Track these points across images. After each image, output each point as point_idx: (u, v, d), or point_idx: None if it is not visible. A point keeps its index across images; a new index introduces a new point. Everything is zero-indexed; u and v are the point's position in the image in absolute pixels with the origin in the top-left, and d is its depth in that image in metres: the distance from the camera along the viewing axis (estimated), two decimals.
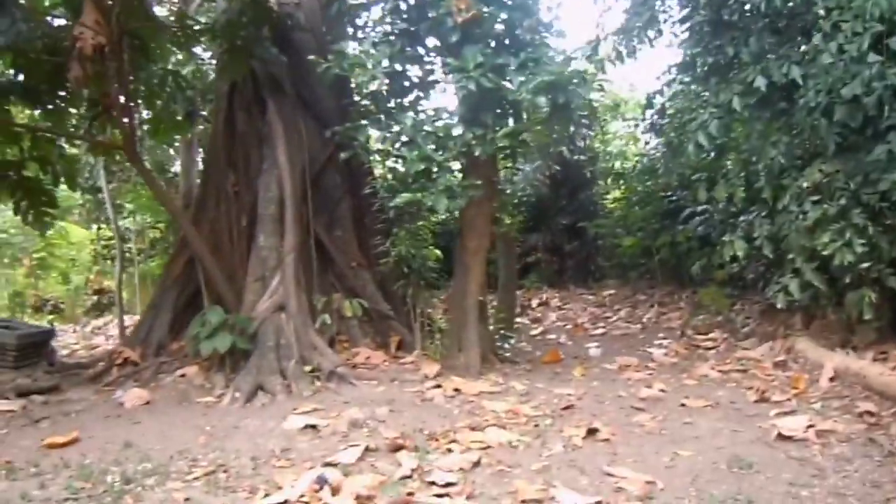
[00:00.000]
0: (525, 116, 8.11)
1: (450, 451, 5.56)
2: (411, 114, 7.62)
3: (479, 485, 4.79)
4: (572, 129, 16.91)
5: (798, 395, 6.83)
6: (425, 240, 8.67)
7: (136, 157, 8.70)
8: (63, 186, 14.12)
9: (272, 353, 7.82)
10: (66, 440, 6.03)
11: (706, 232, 11.59)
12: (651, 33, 9.68)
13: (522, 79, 7.45)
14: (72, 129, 10.57)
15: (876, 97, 6.62)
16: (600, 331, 12.14)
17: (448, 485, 4.78)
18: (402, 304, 9.42)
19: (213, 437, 6.01)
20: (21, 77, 9.09)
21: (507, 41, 7.94)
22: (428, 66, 8.42)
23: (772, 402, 6.69)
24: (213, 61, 11.46)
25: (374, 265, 9.35)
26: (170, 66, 10.69)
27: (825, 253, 6.88)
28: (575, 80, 7.51)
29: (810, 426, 5.63)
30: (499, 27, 7.63)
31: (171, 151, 15.58)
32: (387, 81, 7.51)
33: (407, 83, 8.09)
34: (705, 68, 8.74)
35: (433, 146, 7.59)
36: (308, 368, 7.85)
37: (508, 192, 9.34)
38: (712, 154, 9.32)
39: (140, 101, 9.75)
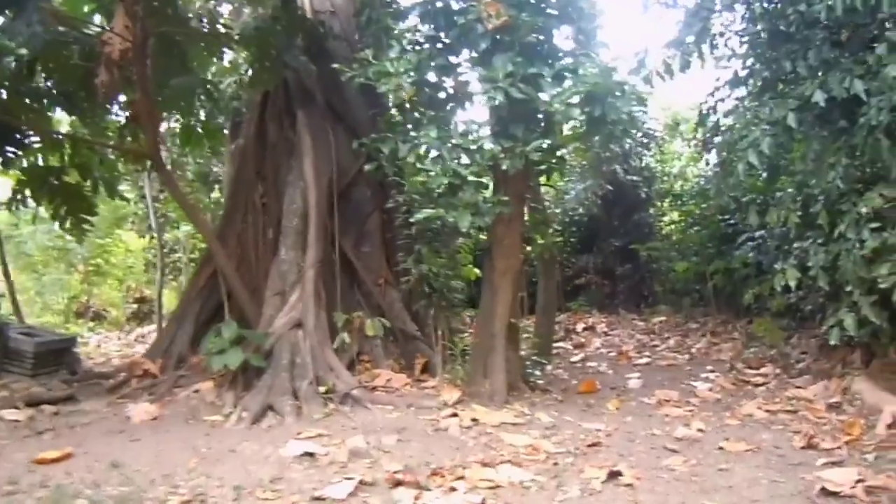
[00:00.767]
0: (559, 130, 7.61)
1: (453, 489, 5.08)
2: (437, 126, 7.18)
3: None
4: (620, 146, 16.43)
5: (850, 443, 6.09)
6: (451, 258, 8.22)
7: (161, 164, 8.55)
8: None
9: (285, 372, 7.48)
10: (57, 456, 5.77)
11: (759, 259, 10.83)
12: (704, 46, 9.05)
13: (556, 90, 7.00)
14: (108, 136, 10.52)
15: None
16: (645, 360, 11.44)
17: None
18: (431, 324, 8.99)
19: (204, 461, 5.66)
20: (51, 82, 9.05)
21: (541, 50, 7.46)
22: (462, 77, 8.01)
23: (820, 449, 5.98)
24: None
25: (403, 283, 8.96)
26: (208, 76, 10.61)
27: (884, 286, 6.18)
28: (615, 93, 7.02)
29: (860, 481, 4.94)
30: (533, 35, 7.15)
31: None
32: (410, 91, 7.08)
33: (436, 93, 7.68)
34: (759, 83, 8.09)
35: (460, 160, 7.17)
36: (322, 389, 7.48)
37: (541, 209, 8.77)
38: (765, 175, 8.63)
39: (172, 110, 9.61)
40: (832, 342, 7.05)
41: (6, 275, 12.03)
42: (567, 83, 7.20)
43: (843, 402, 7.31)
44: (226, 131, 10.19)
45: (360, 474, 5.23)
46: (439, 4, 7.45)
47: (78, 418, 7.37)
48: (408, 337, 9.01)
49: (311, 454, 5.71)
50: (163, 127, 11.23)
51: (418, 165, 7.15)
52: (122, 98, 9.72)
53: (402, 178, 7.81)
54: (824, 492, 4.84)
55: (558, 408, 7.83)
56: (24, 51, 8.85)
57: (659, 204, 18.68)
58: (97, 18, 9.33)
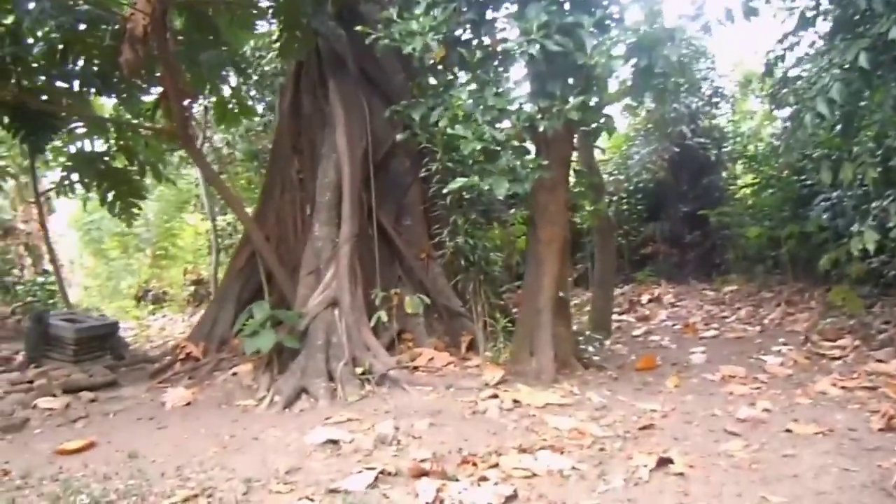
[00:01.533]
0: (604, 86, 6.96)
1: (483, 479, 4.63)
2: (471, 87, 6.66)
3: None
4: (687, 105, 15.51)
5: None
6: (490, 229, 7.69)
7: (189, 142, 8.30)
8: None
9: (320, 353, 7.16)
10: (79, 446, 5.62)
11: (835, 221, 9.91)
12: None
13: (598, 41, 6.37)
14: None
15: None
16: (712, 333, 10.69)
17: None
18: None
19: (225, 450, 5.38)
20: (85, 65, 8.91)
21: None
22: (499, 33, 7.42)
23: None
24: None
25: (439, 257, 8.49)
26: (246, 51, 10.34)
27: None
28: (665, 42, 6.36)
29: None
30: None
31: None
32: (439, 51, 6.56)
33: (469, 53, 7.12)
34: (830, 24, 7.25)
35: (495, 123, 6.64)
36: (359, 371, 7.13)
37: (588, 172, 8.09)
38: (838, 128, 7.76)
39: (203, 87, 9.34)
40: None
41: (52, 260, 12.13)
42: (611, 33, 6.56)
43: None
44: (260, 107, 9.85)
45: (383, 464, 4.85)
46: None
47: (114, 405, 7.24)
48: (452, 314, 8.56)
49: (334, 442, 5.36)
50: (199, 104, 11.04)
51: (449, 131, 6.62)
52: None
53: (435, 145, 7.30)
54: None
55: (612, 386, 7.27)
56: (55, 35, 8.75)
57: (730, 166, 17.61)
58: None
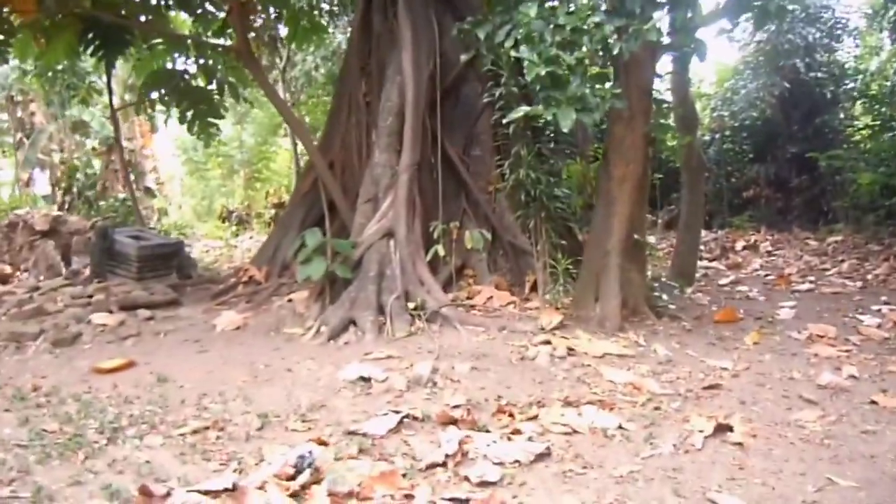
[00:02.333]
0: (695, 4, 6.18)
1: (516, 432, 4.26)
2: (539, 3, 6.00)
3: (525, 491, 3.48)
4: (802, 36, 14.11)
5: None
6: (555, 161, 7.09)
7: (250, 59, 8.02)
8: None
9: (372, 286, 6.87)
10: (116, 365, 5.60)
11: None
12: None
13: None
14: None
15: None
16: (807, 286, 9.80)
17: (483, 484, 3.54)
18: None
19: (255, 380, 5.21)
20: None
21: None
22: None
23: None
24: None
25: (499, 190, 7.97)
26: None
27: None
28: None
29: None
30: None
31: None
32: None
33: None
34: None
35: (566, 44, 5.99)
36: (411, 306, 6.81)
37: (667, 105, 7.27)
38: None
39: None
40: None
41: (126, 177, 12.30)
42: None
43: None
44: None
45: (411, 407, 4.54)
46: None
47: (167, 325, 7.24)
48: (518, 251, 8.07)
49: (366, 379, 5.09)
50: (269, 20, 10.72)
51: (513, 53, 6.03)
52: None
53: (501, 68, 6.71)
54: None
55: (682, 339, 6.69)
56: None
57: (848, 106, 16.06)
58: None
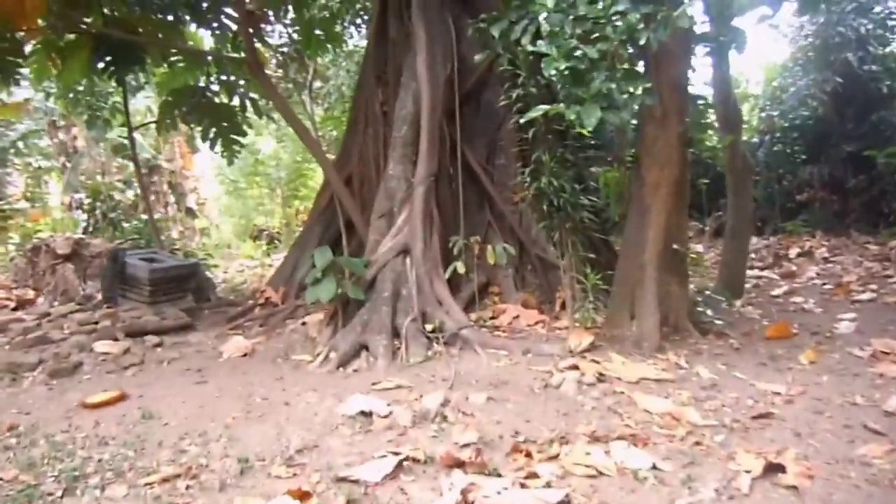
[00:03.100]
0: None
1: (533, 476, 3.70)
2: None
3: None
4: (854, 28, 13.24)
5: None
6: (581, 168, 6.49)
7: (257, 70, 7.63)
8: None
9: (386, 307, 6.37)
10: (105, 399, 5.21)
11: None
12: None
13: None
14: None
15: None
16: (868, 295, 8.95)
17: None
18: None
19: (246, 417, 4.73)
20: None
21: None
22: None
23: None
24: None
25: (521, 201, 7.40)
26: None
27: None
28: None
29: None
30: None
31: None
32: None
33: None
34: None
35: (587, 36, 5.43)
36: (428, 328, 6.30)
37: (703, 102, 6.57)
38: None
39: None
40: None
41: (145, 197, 12.06)
42: None
43: None
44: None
45: (414, 447, 4.01)
46: None
47: (173, 352, 6.85)
48: (548, 266, 7.49)
49: (367, 414, 4.57)
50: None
51: (529, 48, 5.49)
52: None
53: (519, 67, 6.16)
54: None
55: (729, 359, 6.02)
56: None
57: None
58: None
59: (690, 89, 6.51)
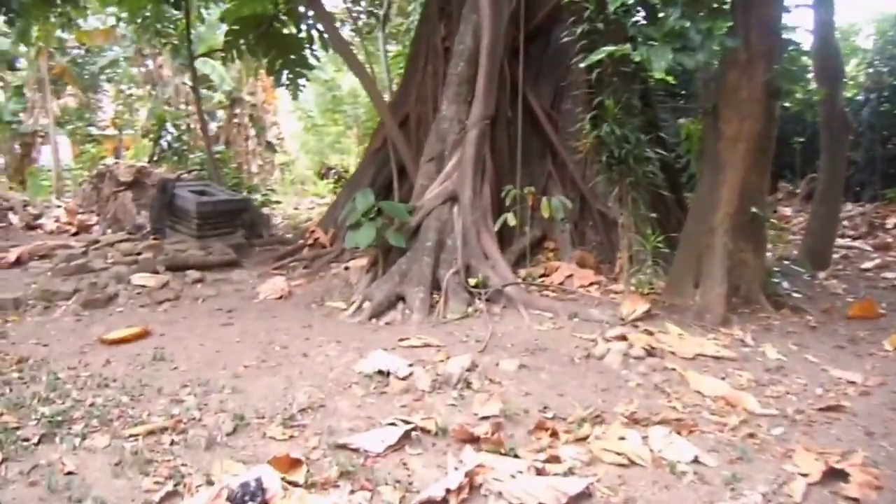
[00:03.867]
0: None
1: (555, 460, 3.30)
2: None
3: None
4: None
5: None
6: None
7: (316, 5, 7.14)
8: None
9: (428, 257, 5.96)
10: (124, 336, 5.02)
11: None
12: None
13: None
14: None
15: None
16: None
17: None
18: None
19: (259, 366, 4.46)
20: None
21: None
22: None
23: None
24: None
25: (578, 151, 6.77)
26: None
27: None
28: None
29: None
30: None
31: None
32: None
33: None
34: None
35: None
36: (471, 282, 5.87)
37: (796, 48, 5.70)
38: None
39: None
40: None
41: (203, 129, 11.86)
42: None
43: None
44: None
45: (428, 415, 3.65)
46: None
47: (211, 289, 6.68)
48: (610, 223, 6.90)
49: (385, 374, 4.21)
50: None
51: None
52: None
53: (589, 1, 5.50)
54: None
55: (803, 338, 5.40)
56: None
57: None
58: None
59: (784, 34, 5.74)
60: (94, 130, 23.71)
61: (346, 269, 6.87)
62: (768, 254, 6.79)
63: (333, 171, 18.88)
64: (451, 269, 5.89)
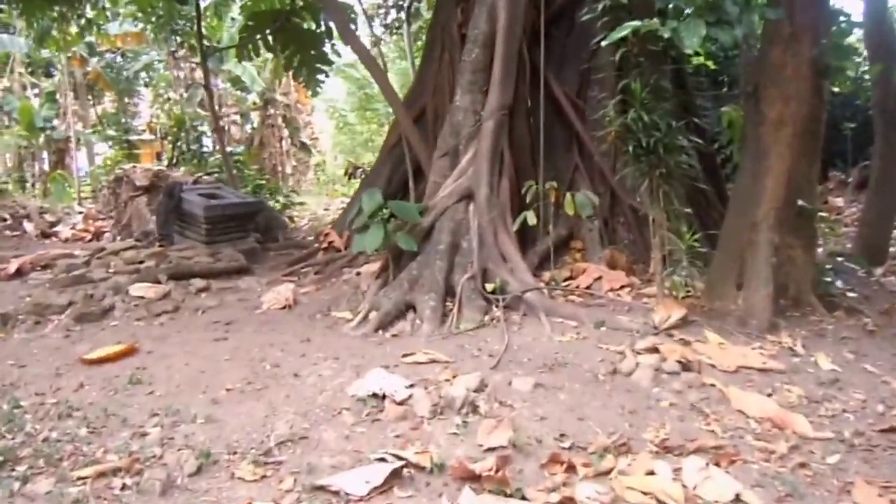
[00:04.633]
0: None
1: (569, 501, 2.80)
2: None
3: None
4: None
5: None
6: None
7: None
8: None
9: (441, 261, 5.47)
10: (108, 354, 4.65)
11: None
12: None
13: None
14: None
15: None
16: None
17: None
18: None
19: (244, 389, 4.03)
20: None
21: None
22: None
23: None
24: None
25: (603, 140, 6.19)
26: None
27: None
28: None
29: None
30: None
31: None
32: None
33: None
34: None
35: None
36: (489, 288, 5.36)
37: (846, 20, 5.06)
38: None
39: None
40: None
41: (218, 130, 11.54)
42: None
43: None
44: None
45: (423, 448, 3.16)
46: None
47: (214, 299, 6.30)
48: (643, 220, 6.31)
49: (381, 398, 3.72)
50: None
51: None
52: None
53: None
54: None
55: (860, 344, 4.79)
56: None
57: None
58: None
59: (832, 4, 5.12)
60: (131, 136, 23.72)
61: (358, 274, 6.42)
62: (819, 250, 6.17)
63: (361, 170, 18.49)
64: (465, 273, 5.40)
